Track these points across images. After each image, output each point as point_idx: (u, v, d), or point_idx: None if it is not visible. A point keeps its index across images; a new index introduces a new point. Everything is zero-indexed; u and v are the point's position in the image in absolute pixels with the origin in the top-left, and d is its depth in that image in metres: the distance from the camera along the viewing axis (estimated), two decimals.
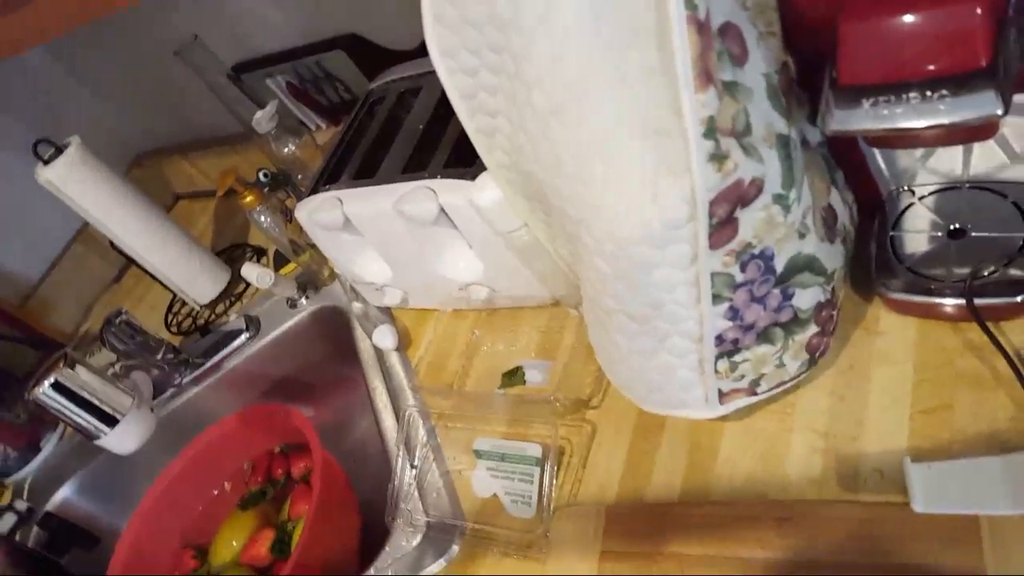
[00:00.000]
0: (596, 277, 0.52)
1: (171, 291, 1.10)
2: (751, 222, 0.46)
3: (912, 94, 0.41)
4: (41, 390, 0.65)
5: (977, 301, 0.52)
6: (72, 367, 0.67)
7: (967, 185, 0.56)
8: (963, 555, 0.44)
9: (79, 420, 0.66)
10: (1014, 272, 0.52)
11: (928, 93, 0.40)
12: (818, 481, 0.53)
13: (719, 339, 0.51)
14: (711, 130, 0.41)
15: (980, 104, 0.39)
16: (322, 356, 0.97)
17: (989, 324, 0.52)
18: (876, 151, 0.56)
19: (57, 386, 0.65)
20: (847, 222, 0.57)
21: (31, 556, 0.40)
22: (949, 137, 0.45)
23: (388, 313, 0.86)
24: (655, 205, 0.44)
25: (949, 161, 0.56)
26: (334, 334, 0.92)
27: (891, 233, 0.58)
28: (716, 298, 0.48)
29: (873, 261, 0.58)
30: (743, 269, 0.48)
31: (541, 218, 0.60)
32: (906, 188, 0.59)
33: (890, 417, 0.53)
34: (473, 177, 0.63)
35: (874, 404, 0.54)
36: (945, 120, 0.39)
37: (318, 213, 0.75)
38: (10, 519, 0.77)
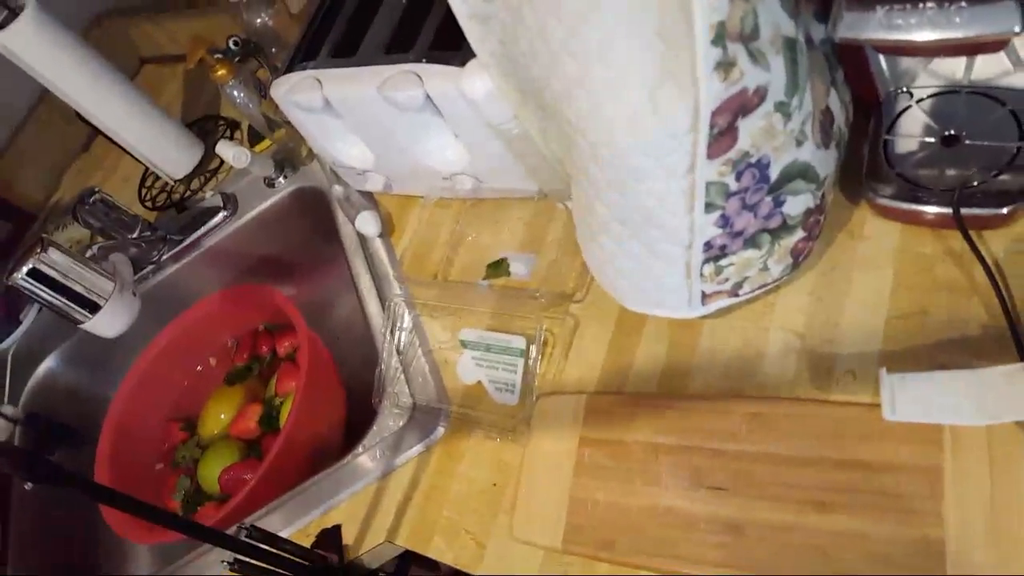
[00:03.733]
0: (588, 182, 0.51)
1: (143, 164, 1.06)
2: (750, 131, 0.45)
3: (929, 3, 0.39)
4: (18, 276, 0.63)
5: (963, 210, 0.52)
6: (49, 252, 0.65)
7: (966, 90, 0.55)
8: (924, 455, 0.47)
9: (60, 306, 0.66)
10: (1002, 182, 0.52)
11: (945, 3, 0.39)
12: (791, 380, 0.55)
13: (707, 245, 0.51)
14: (719, 36, 0.40)
15: (998, 18, 0.37)
16: (303, 237, 0.96)
17: (972, 233, 0.53)
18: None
19: (34, 272, 0.64)
20: (842, 124, 0.56)
21: (26, 457, 0.41)
22: (958, 49, 0.43)
23: (371, 198, 0.85)
24: (655, 115, 0.43)
25: (951, 64, 0.54)
26: (315, 215, 0.90)
27: (885, 136, 0.57)
28: (709, 207, 0.48)
29: (864, 164, 0.57)
30: (738, 178, 0.47)
31: (534, 112, 0.58)
32: (905, 90, 0.57)
33: (866, 320, 0.55)
34: (462, 63, 0.60)
35: (852, 307, 0.56)
36: (960, 34, 0.38)
37: (295, 93, 0.72)
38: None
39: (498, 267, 0.72)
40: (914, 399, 0.42)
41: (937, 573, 0.44)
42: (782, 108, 0.45)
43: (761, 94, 0.43)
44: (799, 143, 0.48)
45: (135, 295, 0.69)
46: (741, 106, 0.43)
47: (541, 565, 0.57)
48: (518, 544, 0.58)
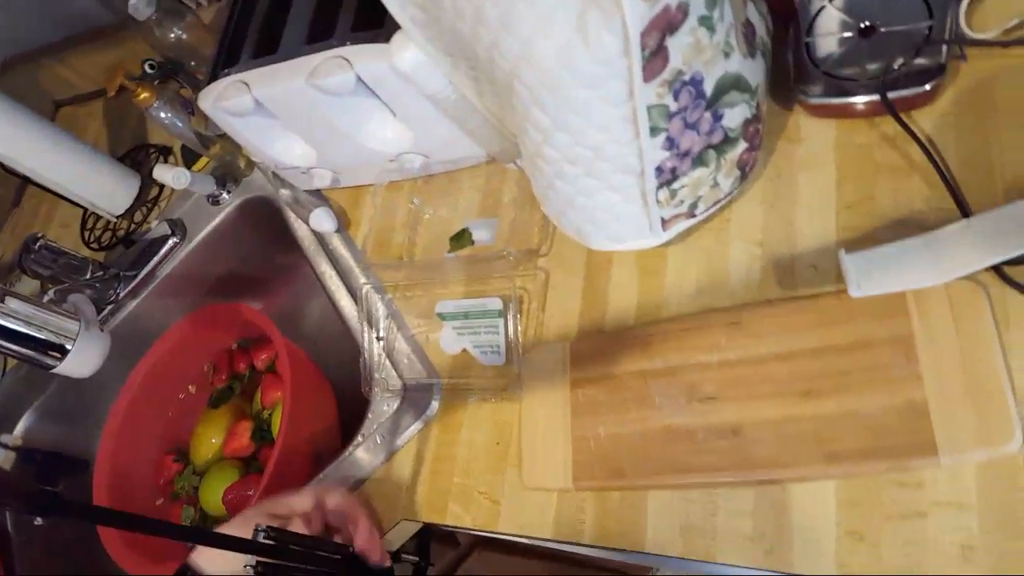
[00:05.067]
0: (534, 129, 0.52)
1: (80, 206, 1.04)
2: (680, 48, 0.46)
3: None
4: None
5: (890, 94, 0.55)
6: (6, 301, 0.64)
7: None
8: (894, 326, 0.50)
9: (29, 354, 0.64)
10: (922, 62, 0.54)
11: None
12: (758, 285, 0.58)
13: (659, 170, 0.53)
14: None
15: None
16: (258, 248, 0.95)
17: (902, 115, 0.55)
18: None
19: None
20: (764, 34, 0.58)
21: (35, 492, 0.41)
22: None
23: (320, 195, 0.84)
24: (586, 45, 0.44)
25: None
26: (267, 224, 0.90)
27: (806, 39, 0.59)
28: (653, 130, 0.50)
29: (791, 69, 0.59)
30: (676, 97, 0.49)
31: (467, 73, 0.58)
32: None
33: (818, 216, 0.57)
34: (387, 39, 0.60)
35: (802, 206, 0.58)
36: None
37: (224, 100, 0.71)
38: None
39: (461, 237, 0.73)
40: (874, 273, 0.45)
41: (925, 430, 0.47)
42: (706, 22, 0.47)
43: (684, 9, 0.44)
44: (727, 54, 0.50)
45: (103, 330, 0.68)
46: (667, 24, 0.44)
47: (557, 507, 0.59)
48: (531, 492, 0.60)
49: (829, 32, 0.59)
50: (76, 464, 0.40)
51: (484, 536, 0.63)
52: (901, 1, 0.56)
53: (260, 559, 0.54)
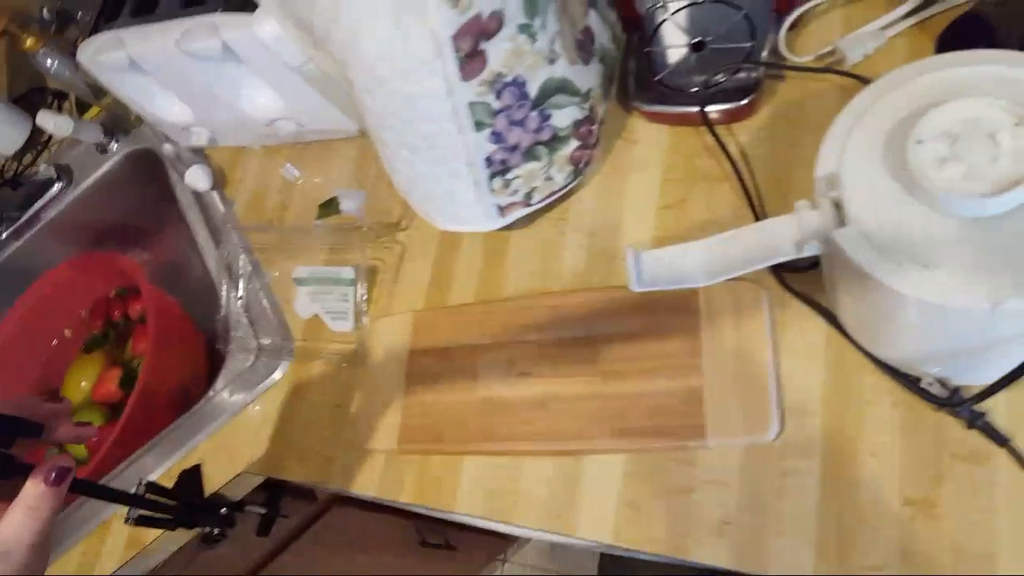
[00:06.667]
0: (369, 114, 0.55)
1: None
2: (499, 53, 0.50)
3: None
4: None
5: (713, 107, 0.60)
6: None
7: (710, 0, 0.61)
8: (685, 322, 0.56)
9: None
10: (742, 78, 0.59)
11: None
12: (584, 272, 0.62)
13: (488, 161, 0.56)
14: None
15: None
16: (143, 200, 0.96)
17: (724, 126, 0.60)
18: None
19: None
20: (607, 41, 0.62)
21: None
22: None
23: (200, 153, 0.86)
24: (406, 43, 0.47)
25: None
26: (151, 177, 0.91)
27: (647, 48, 0.63)
28: (478, 125, 0.53)
29: (632, 76, 0.64)
30: (498, 96, 0.52)
31: (325, 52, 0.61)
32: (661, 5, 0.63)
33: (639, 213, 0.62)
34: (254, 9, 0.63)
35: (629, 203, 0.63)
36: None
37: (100, 55, 0.72)
38: None
39: (329, 206, 0.76)
40: (655, 271, 0.49)
41: (698, 415, 0.53)
42: (526, 30, 0.50)
43: (499, 18, 0.48)
44: (552, 61, 0.53)
45: None
46: (480, 30, 0.47)
47: (383, 467, 0.63)
48: (362, 452, 0.64)
49: (667, 44, 0.63)
50: (33, 428, 0.41)
51: (341, 493, 0.67)
52: (730, 21, 0.61)
53: (140, 511, 0.58)
